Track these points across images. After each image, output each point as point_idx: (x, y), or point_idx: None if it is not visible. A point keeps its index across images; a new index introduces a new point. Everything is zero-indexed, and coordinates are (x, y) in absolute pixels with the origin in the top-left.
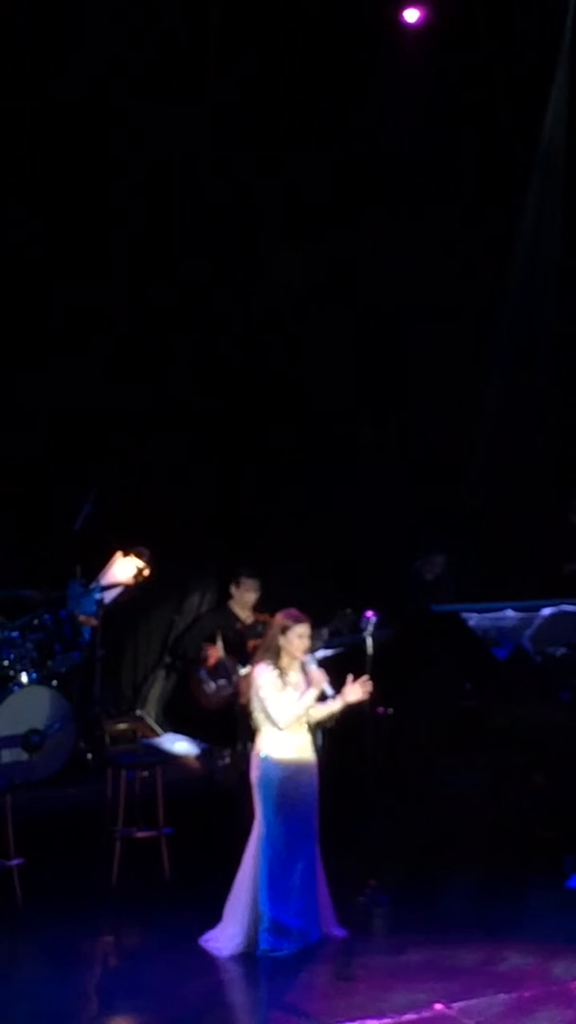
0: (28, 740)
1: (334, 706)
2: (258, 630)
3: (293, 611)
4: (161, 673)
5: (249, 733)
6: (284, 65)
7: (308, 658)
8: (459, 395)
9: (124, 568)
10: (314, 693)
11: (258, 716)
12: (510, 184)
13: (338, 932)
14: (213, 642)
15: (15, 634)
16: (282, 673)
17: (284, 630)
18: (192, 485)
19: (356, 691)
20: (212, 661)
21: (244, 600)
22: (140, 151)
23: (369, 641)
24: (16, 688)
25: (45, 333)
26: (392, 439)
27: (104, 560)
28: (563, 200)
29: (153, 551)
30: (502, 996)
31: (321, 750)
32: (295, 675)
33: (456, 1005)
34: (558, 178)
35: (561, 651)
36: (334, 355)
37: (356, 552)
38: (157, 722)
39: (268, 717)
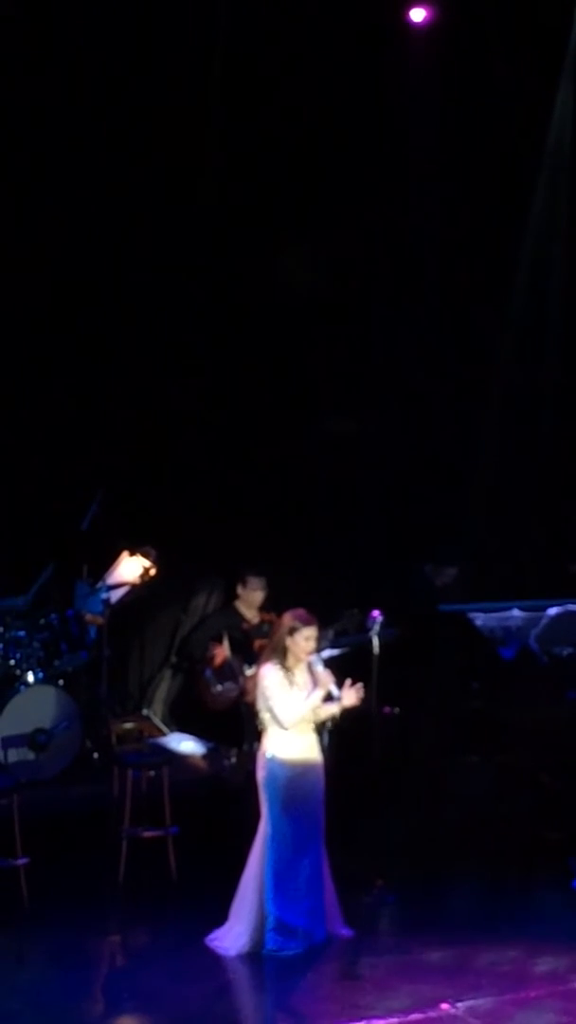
0: (34, 739)
1: (333, 708)
2: (264, 630)
3: (302, 612)
4: (167, 673)
5: (255, 733)
6: (290, 64)
7: (314, 658)
8: (466, 393)
9: (131, 568)
10: (320, 694)
11: (264, 716)
12: (517, 183)
13: (344, 932)
14: (219, 642)
15: (22, 633)
16: (288, 673)
17: (292, 631)
18: (199, 485)
19: (351, 695)
20: (218, 661)
21: (250, 600)
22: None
23: (375, 641)
24: (22, 687)
25: (47, 331)
26: (395, 437)
27: (111, 560)
28: (570, 199)
29: (160, 551)
30: (508, 996)
31: (327, 750)
32: (301, 675)
33: (462, 1004)
34: (566, 177)
35: (568, 651)
36: (340, 354)
37: (362, 552)
38: (163, 722)
39: (274, 717)
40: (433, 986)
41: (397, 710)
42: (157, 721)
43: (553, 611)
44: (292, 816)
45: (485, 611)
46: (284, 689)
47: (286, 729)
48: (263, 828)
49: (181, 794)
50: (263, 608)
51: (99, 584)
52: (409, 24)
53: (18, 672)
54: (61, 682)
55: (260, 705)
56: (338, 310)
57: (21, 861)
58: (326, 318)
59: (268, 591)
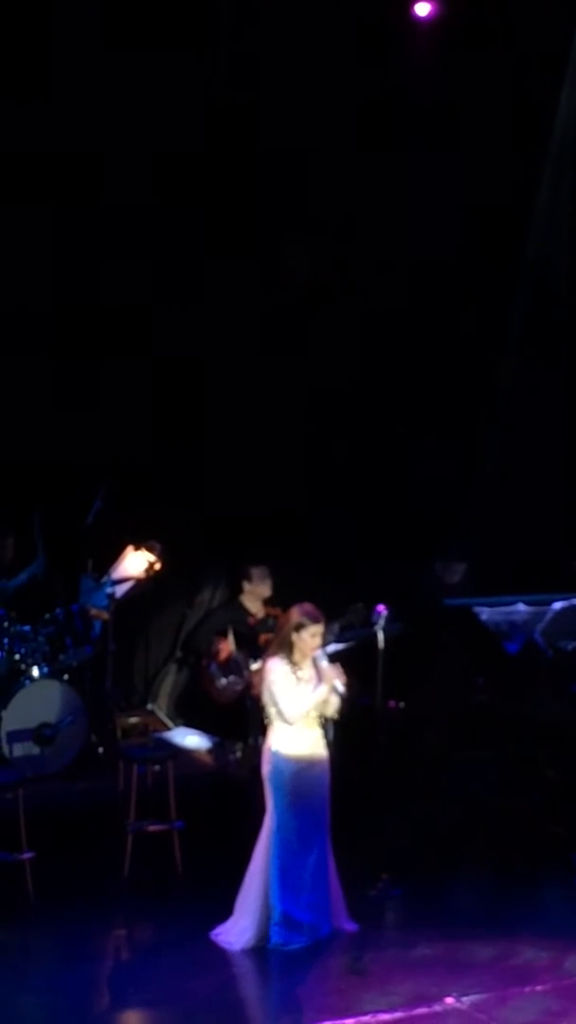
0: (40, 734)
1: (335, 702)
2: (269, 624)
3: (309, 609)
4: (172, 667)
5: (260, 727)
6: (293, 60)
7: (320, 654)
8: (469, 390)
9: (135, 562)
10: (325, 689)
11: (270, 710)
12: (522, 178)
13: (349, 926)
14: (224, 637)
15: (27, 628)
16: (294, 668)
17: (299, 628)
18: (203, 479)
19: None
20: (223, 656)
21: (255, 593)
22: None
23: (380, 635)
24: (28, 682)
25: (51, 330)
26: (399, 434)
27: (115, 554)
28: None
29: (164, 545)
30: (514, 990)
31: (332, 744)
32: (307, 671)
33: (467, 999)
34: (571, 171)
35: (572, 645)
36: (343, 351)
37: (368, 546)
38: (168, 716)
39: (279, 711)
40: (438, 980)
41: (402, 704)
42: (162, 715)
43: (558, 605)
44: (297, 810)
45: (490, 605)
46: (290, 684)
47: (291, 724)
48: (268, 822)
49: (186, 788)
50: (268, 603)
51: (104, 579)
52: (414, 19)
53: (23, 667)
54: (66, 677)
55: (265, 699)
56: (339, 303)
57: (27, 855)
58: (327, 312)
59: (273, 580)
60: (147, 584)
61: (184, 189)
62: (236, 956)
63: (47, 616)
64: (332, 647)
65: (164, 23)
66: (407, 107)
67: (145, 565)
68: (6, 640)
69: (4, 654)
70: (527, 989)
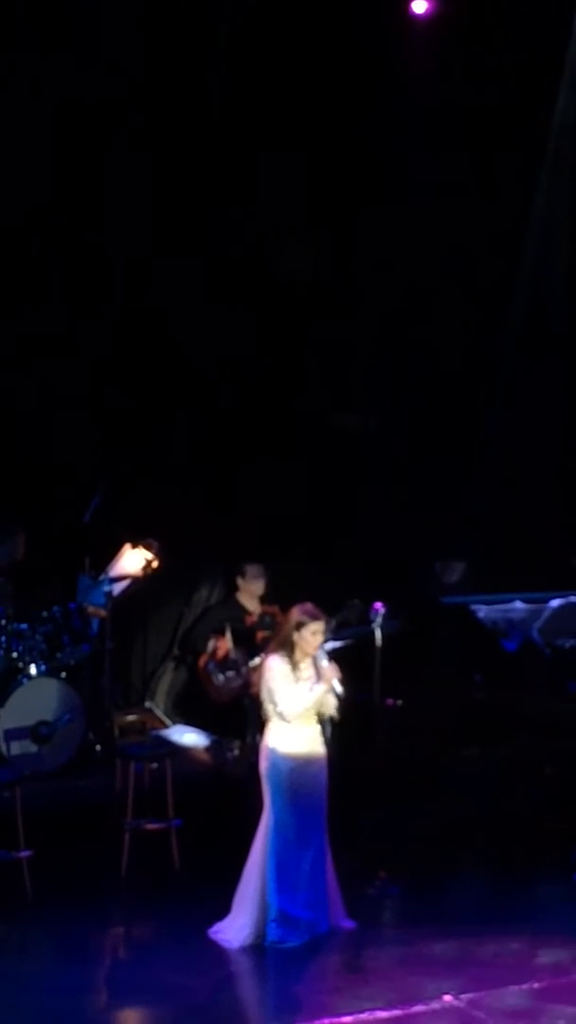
0: (37, 732)
1: (332, 700)
2: (266, 621)
3: (310, 607)
4: (170, 665)
5: (258, 725)
6: (291, 57)
7: (319, 652)
8: (469, 387)
9: (133, 560)
10: (323, 688)
11: (268, 707)
12: (518, 178)
13: (347, 924)
14: (222, 635)
15: (24, 626)
16: (294, 667)
17: (299, 626)
18: (200, 477)
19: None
20: (221, 654)
21: (251, 590)
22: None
23: (378, 633)
24: (25, 680)
25: (50, 329)
26: (399, 432)
27: (113, 552)
28: (572, 192)
29: (162, 543)
30: (512, 988)
31: (330, 742)
32: (307, 669)
33: (465, 997)
34: (568, 172)
35: (570, 643)
36: (343, 348)
37: (365, 544)
38: (166, 714)
39: (276, 709)
40: (436, 978)
41: (400, 702)
42: (160, 713)
43: (555, 603)
44: (295, 808)
45: (488, 603)
46: (288, 682)
47: (289, 722)
48: (265, 820)
49: (184, 786)
50: (265, 600)
51: (101, 577)
52: (411, 16)
53: (21, 665)
54: (64, 675)
55: (264, 697)
56: (338, 302)
57: (24, 854)
58: (327, 310)
59: (268, 579)
60: (145, 582)
61: (184, 189)
62: (234, 954)
63: (45, 614)
64: (330, 644)
65: (164, 23)
66: (406, 107)
67: (143, 563)
68: (3, 638)
69: (2, 652)
70: (525, 986)
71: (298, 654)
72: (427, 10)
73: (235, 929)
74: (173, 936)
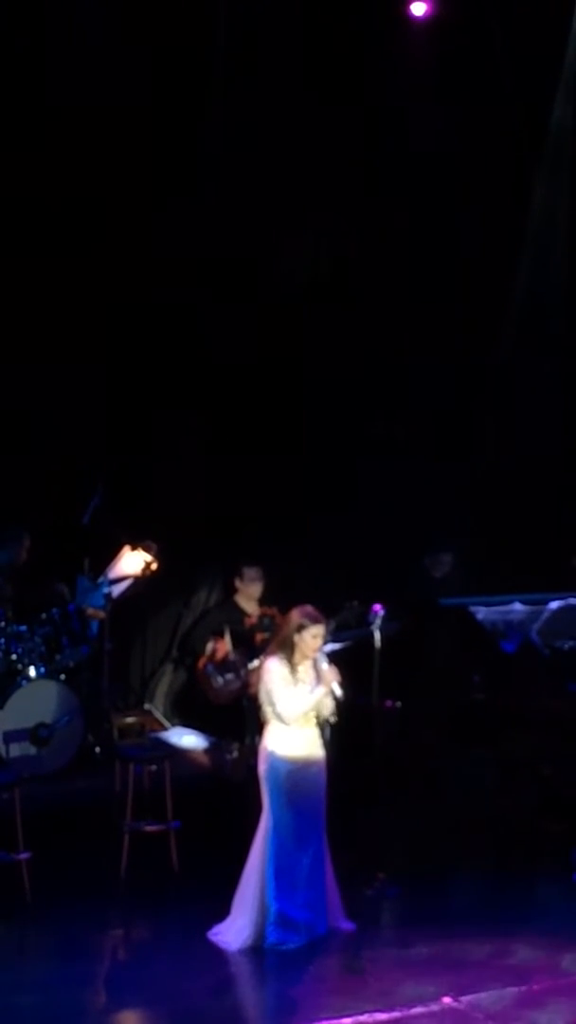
0: (36, 734)
1: (330, 703)
2: (265, 624)
3: (310, 610)
4: (169, 667)
5: (257, 727)
6: (290, 58)
7: (319, 655)
8: (468, 387)
9: (132, 562)
10: (322, 690)
11: (267, 709)
12: (518, 176)
13: (346, 925)
14: (221, 636)
15: (23, 628)
16: (293, 669)
17: (300, 629)
18: (199, 479)
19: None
20: (220, 656)
21: (249, 592)
22: (139, 139)
23: (376, 635)
24: (24, 682)
25: (49, 328)
26: (398, 431)
27: (112, 554)
28: (572, 194)
29: (160, 545)
30: (511, 989)
31: (329, 743)
32: (306, 672)
33: (465, 998)
34: (567, 171)
35: (569, 644)
36: (341, 348)
37: (362, 546)
38: (165, 716)
39: (275, 711)
40: (435, 980)
41: (398, 704)
42: (159, 715)
43: (554, 604)
44: (293, 810)
45: (486, 605)
46: (288, 684)
47: (288, 724)
48: (264, 822)
49: (183, 788)
50: (263, 602)
51: (100, 578)
52: (410, 18)
53: (20, 667)
54: (63, 677)
55: (263, 699)
56: (337, 300)
57: (23, 855)
58: (326, 308)
59: (266, 581)
60: (144, 584)
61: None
62: (233, 956)
63: (44, 616)
64: (329, 646)
65: (164, 23)
66: (406, 106)
67: (142, 565)
68: (2, 640)
69: (1, 654)
70: (524, 988)
71: (297, 656)
72: (426, 12)
73: (234, 931)
74: (172, 938)
